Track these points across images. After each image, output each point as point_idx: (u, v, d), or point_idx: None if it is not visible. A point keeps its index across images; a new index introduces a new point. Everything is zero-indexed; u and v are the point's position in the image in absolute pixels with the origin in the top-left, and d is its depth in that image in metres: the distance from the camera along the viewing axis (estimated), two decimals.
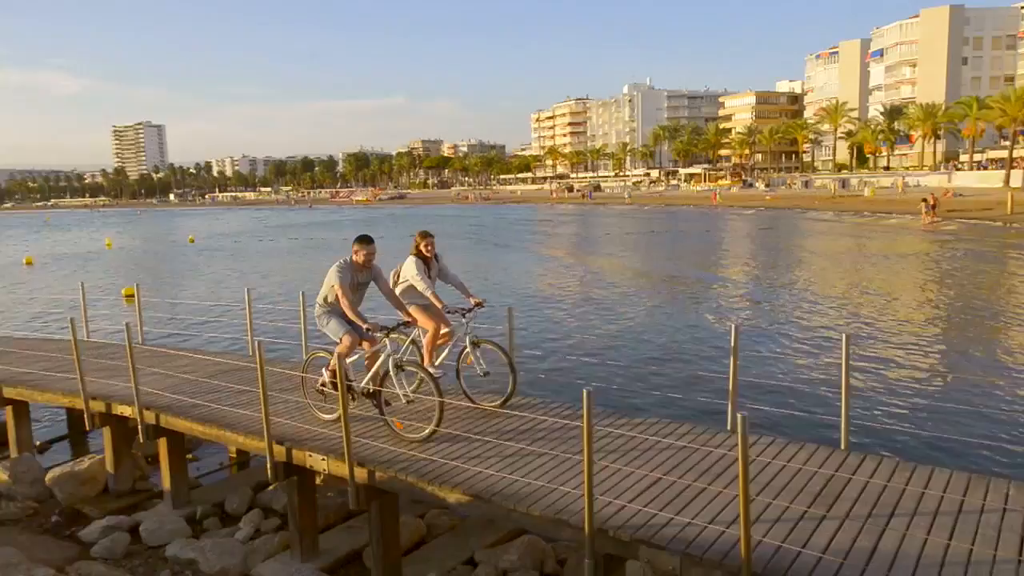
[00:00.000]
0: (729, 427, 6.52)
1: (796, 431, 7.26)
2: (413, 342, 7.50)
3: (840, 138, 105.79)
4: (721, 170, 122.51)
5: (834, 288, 22.44)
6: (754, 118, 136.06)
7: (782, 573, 4.19)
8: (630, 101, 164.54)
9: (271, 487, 8.33)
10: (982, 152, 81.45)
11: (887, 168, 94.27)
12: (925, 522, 4.78)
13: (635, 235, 46.45)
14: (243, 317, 9.86)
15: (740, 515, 4.15)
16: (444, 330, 7.42)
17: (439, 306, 7.20)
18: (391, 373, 6.64)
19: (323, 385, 7.18)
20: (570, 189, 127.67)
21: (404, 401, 6.71)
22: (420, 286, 7.26)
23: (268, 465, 6.66)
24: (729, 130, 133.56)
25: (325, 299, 7.04)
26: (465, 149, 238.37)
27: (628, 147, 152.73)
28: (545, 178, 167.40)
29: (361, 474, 6.08)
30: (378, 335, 6.80)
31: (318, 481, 7.56)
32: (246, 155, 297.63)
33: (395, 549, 6.50)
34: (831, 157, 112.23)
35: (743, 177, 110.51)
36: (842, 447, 6.07)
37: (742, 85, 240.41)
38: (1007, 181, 61.98)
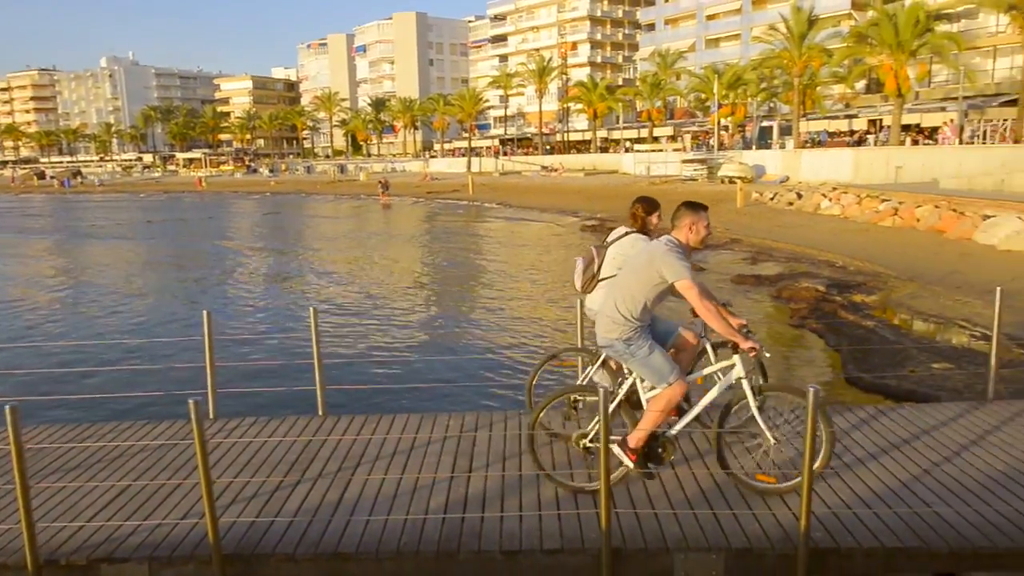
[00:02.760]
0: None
1: (278, 407, 7.46)
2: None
3: (336, 126, 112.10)
4: (223, 155, 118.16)
5: (309, 264, 23.86)
6: (252, 103, 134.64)
7: (254, 546, 4.28)
8: (110, 76, 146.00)
9: None
10: (450, 142, 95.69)
11: (370, 155, 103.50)
12: (385, 463, 5.42)
13: (129, 225, 41.83)
14: None
15: (204, 502, 4.07)
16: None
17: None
18: (751, 405, 4.49)
19: (591, 442, 4.78)
20: (41, 176, 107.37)
21: (772, 442, 4.53)
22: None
23: None
24: (228, 114, 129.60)
25: (643, 308, 4.50)
26: None
27: (114, 128, 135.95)
28: (6, 163, 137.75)
29: None
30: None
31: None
32: None
33: None
34: (329, 144, 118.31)
35: (247, 163, 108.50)
36: (320, 413, 6.47)
37: (238, 69, 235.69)
38: (469, 168, 74.22)
